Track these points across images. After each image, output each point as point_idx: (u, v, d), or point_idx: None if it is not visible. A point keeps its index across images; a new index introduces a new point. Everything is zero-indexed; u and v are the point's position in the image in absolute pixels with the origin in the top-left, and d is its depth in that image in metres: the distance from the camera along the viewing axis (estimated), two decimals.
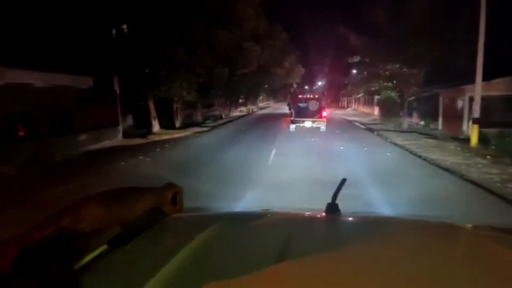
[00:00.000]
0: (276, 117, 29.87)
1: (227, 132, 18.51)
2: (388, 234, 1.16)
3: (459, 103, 17.40)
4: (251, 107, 45.85)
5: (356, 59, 26.85)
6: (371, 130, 19.01)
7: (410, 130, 18.72)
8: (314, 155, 10.15)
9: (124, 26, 15.71)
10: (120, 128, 16.32)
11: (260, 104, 62.91)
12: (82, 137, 13.79)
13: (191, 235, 1.00)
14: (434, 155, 10.46)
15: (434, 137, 15.30)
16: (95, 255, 0.86)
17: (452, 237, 1.20)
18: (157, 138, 16.77)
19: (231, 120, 28.47)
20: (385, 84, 25.56)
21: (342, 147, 11.83)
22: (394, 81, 24.90)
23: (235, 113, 39.61)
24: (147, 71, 16.92)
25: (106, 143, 14.73)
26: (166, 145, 13.96)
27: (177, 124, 23.06)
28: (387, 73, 23.70)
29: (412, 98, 24.14)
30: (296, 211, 1.63)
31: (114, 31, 15.75)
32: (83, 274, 0.77)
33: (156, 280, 0.73)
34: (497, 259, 0.92)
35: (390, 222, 1.43)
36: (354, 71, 41.28)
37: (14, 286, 0.63)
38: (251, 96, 43.82)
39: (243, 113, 39.61)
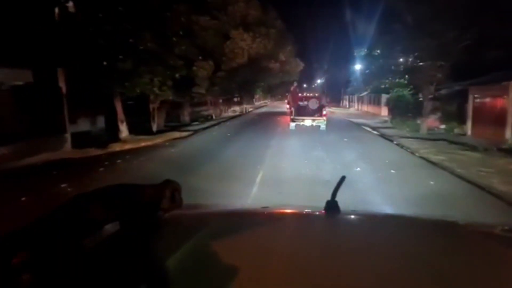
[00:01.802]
0: (272, 119, 26.37)
1: (208, 140, 14.95)
2: (387, 232, 1.19)
3: (499, 103, 13.87)
4: (246, 107, 42.27)
5: (363, 51, 23.31)
6: (386, 137, 15.45)
7: (434, 137, 15.19)
8: (319, 186, 6.18)
9: (70, 3, 12.10)
10: (68, 136, 12.74)
11: (257, 103, 59.32)
12: (6, 149, 10.22)
13: (191, 232, 1.06)
14: (500, 184, 6.96)
15: (471, 147, 11.79)
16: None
17: (452, 235, 1.21)
18: (117, 148, 13.21)
19: (220, 122, 24.93)
20: (397, 80, 22.06)
21: (358, 169, 8.28)
22: (407, 76, 21.49)
23: (228, 113, 36.15)
24: (105, 63, 13.35)
25: (43, 157, 11.13)
26: (119, 161, 10.40)
27: (155, 127, 19.56)
28: (401, 67, 20.22)
29: (430, 96, 20.71)
30: (295, 208, 1.65)
31: (56, 10, 12.14)
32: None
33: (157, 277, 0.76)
34: (497, 258, 0.96)
35: (389, 219, 1.49)
36: (358, 68, 37.76)
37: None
38: (245, 94, 40.24)
39: (236, 113, 36.13)
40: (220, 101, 34.11)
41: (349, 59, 38.48)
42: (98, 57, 12.95)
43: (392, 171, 8.09)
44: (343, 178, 1.35)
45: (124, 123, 16.07)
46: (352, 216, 1.40)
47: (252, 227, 1.16)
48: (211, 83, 20.91)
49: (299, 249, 0.96)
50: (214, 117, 29.86)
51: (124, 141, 14.91)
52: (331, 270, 0.84)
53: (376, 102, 32.13)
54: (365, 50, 22.93)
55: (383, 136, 15.80)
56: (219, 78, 20.57)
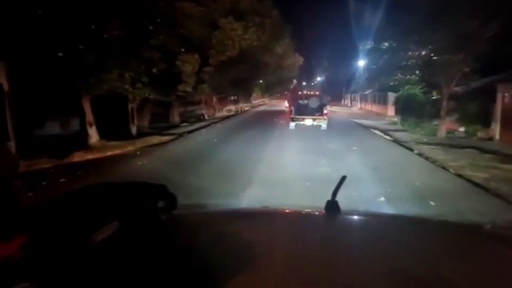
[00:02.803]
0: (268, 119, 23.98)
1: (188, 148, 12.51)
2: (387, 232, 1.20)
3: None
4: (242, 106, 39.84)
5: (370, 44, 20.89)
6: (401, 143, 13.00)
7: (458, 144, 12.80)
8: None
9: None
10: (12, 144, 10.32)
11: (254, 102, 56.84)
12: None
13: (191, 232, 1.10)
14: None
15: (510, 158, 9.44)
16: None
17: (452, 235, 1.21)
18: (77, 158, 10.84)
19: (211, 123, 22.54)
20: (408, 77, 19.66)
21: (382, 199, 5.86)
22: (417, 72, 19.12)
23: (223, 112, 33.77)
24: (61, 54, 10.95)
25: None
26: (64, 179, 7.99)
27: (134, 130, 17.20)
28: (413, 61, 17.84)
29: (448, 95, 18.37)
30: (296, 208, 1.70)
31: None
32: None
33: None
34: (497, 256, 0.97)
35: (389, 219, 1.51)
36: (361, 64, 35.35)
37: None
38: (242, 92, 37.84)
39: (231, 113, 33.73)
40: (215, 99, 31.77)
41: (351, 55, 36.09)
42: (50, 47, 10.55)
43: (432, 202, 5.67)
44: (343, 178, 1.34)
45: (94, 127, 13.69)
46: (352, 216, 1.43)
47: (252, 227, 1.19)
48: (198, 79, 18.48)
49: (299, 248, 0.98)
50: (206, 117, 27.52)
51: (91, 148, 12.53)
52: (331, 270, 0.85)
53: (382, 101, 29.74)
54: (371, 43, 20.49)
55: (397, 142, 13.37)
56: (207, 73, 18.13)
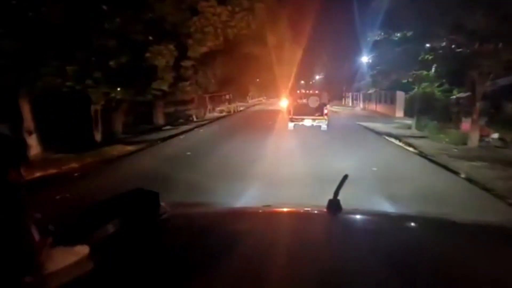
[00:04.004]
0: (263, 122, 21.04)
1: (153, 164, 9.43)
2: (389, 230, 1.21)
3: None
4: (237, 105, 36.85)
5: (380, 35, 17.89)
6: (431, 158, 9.75)
7: (503, 157, 9.84)
8: None
9: None
10: None
11: (251, 101, 53.82)
12: None
13: (193, 230, 1.11)
14: None
15: None
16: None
17: (453, 233, 1.21)
18: None
19: (196, 126, 19.59)
20: (425, 72, 16.70)
21: None
22: (435, 67, 16.19)
23: (214, 113, 30.86)
24: None
25: None
26: None
27: (99, 136, 14.21)
28: (431, 54, 14.89)
29: (467, 94, 15.47)
30: (298, 207, 1.65)
31: None
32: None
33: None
34: (499, 256, 0.97)
35: (390, 218, 1.50)
36: (366, 60, 32.37)
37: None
38: (235, 91, 34.90)
39: (223, 114, 30.80)
40: (207, 99, 28.81)
41: (354, 50, 33.09)
42: None
43: None
44: (345, 177, 1.32)
45: (34, 135, 10.70)
46: (354, 215, 1.42)
47: (254, 226, 1.20)
48: (178, 76, 15.49)
49: (301, 247, 0.97)
50: (195, 119, 24.61)
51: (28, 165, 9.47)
52: (333, 268, 0.84)
53: (389, 101, 26.78)
54: (381, 33, 17.50)
55: (424, 155, 10.18)
56: (188, 69, 15.13)
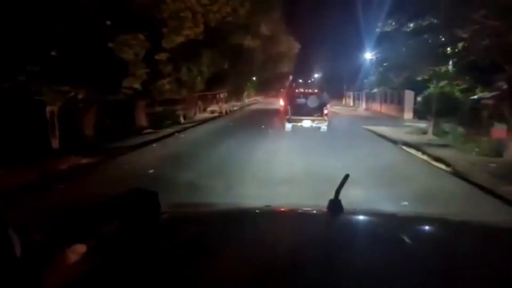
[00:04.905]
0: (257, 124, 18.70)
1: (95, 188, 7.04)
2: (390, 231, 1.19)
3: None
4: (230, 105, 34.43)
5: (390, 26, 15.49)
6: (473, 182, 6.93)
7: None
8: None
9: None
10: None
11: (246, 100, 51.36)
12: None
13: (193, 230, 1.11)
14: None
15: None
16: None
17: (454, 233, 1.22)
18: None
19: (179, 130, 17.17)
20: (444, 68, 14.37)
21: None
22: (451, 63, 13.92)
23: (205, 113, 28.51)
24: None
25: None
26: None
27: (56, 143, 11.83)
28: (453, 47, 12.61)
29: (492, 94, 13.21)
30: (299, 207, 1.65)
31: None
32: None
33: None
34: (498, 256, 0.96)
35: (392, 218, 1.46)
36: (369, 57, 30.10)
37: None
38: (229, 90, 32.51)
39: (215, 114, 28.42)
40: (197, 98, 26.40)
41: (356, 45, 30.70)
42: None
43: None
44: (346, 177, 1.32)
45: None
46: (355, 215, 1.41)
47: (255, 226, 1.18)
48: (153, 71, 13.07)
49: (302, 247, 0.97)
50: (182, 120, 22.25)
51: None
52: (334, 269, 0.84)
53: (396, 101, 24.38)
54: (392, 22, 15.11)
55: (465, 178, 7.60)
56: (165, 64, 12.71)
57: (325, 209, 1.27)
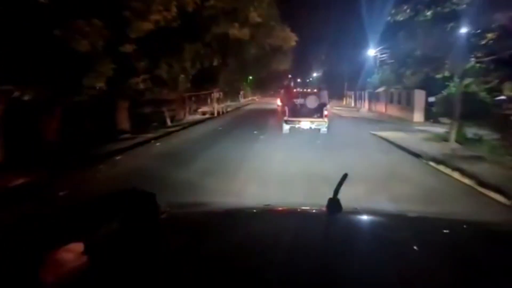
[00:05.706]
0: (252, 126, 16.60)
1: None
2: (388, 230, 1.21)
3: None
4: (224, 105, 32.16)
5: (404, 14, 13.23)
6: None
7: None
8: None
9: None
10: None
11: (242, 100, 49.11)
12: None
13: (193, 230, 1.09)
14: None
15: None
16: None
17: (453, 233, 1.20)
18: None
19: (161, 135, 14.95)
20: (469, 64, 12.14)
21: None
22: (482, 54, 11.78)
23: (196, 114, 26.38)
24: None
25: None
26: None
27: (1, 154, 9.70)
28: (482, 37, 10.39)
29: None
30: (298, 206, 1.64)
31: None
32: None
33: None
34: (498, 255, 0.95)
35: (390, 217, 1.45)
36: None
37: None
38: (222, 89, 30.30)
39: (206, 116, 26.26)
40: (187, 98, 24.21)
41: (359, 41, 28.45)
42: None
43: None
44: (345, 176, 1.30)
45: None
46: (354, 214, 1.40)
47: (254, 225, 1.19)
48: (121, 68, 10.82)
49: (301, 246, 0.96)
50: (169, 123, 20.08)
51: None
52: (333, 268, 0.83)
53: (404, 102, 22.10)
54: (407, 10, 12.86)
55: None
56: (133, 57, 10.45)
57: (324, 208, 1.27)
